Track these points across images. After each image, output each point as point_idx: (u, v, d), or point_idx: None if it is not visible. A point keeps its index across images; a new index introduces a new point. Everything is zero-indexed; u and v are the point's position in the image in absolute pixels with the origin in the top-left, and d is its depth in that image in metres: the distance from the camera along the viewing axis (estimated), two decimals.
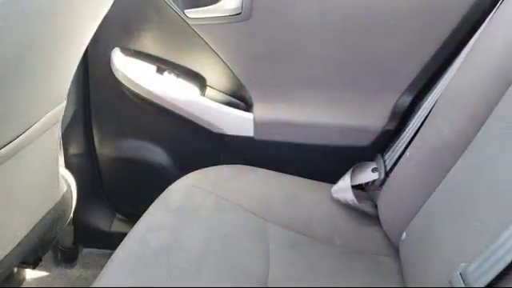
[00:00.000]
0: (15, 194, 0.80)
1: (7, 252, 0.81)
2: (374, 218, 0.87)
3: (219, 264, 0.71)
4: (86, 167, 1.08)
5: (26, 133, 0.73)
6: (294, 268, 0.75)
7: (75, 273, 1.16)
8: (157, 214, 0.78)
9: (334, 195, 0.90)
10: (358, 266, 0.79)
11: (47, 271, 1.16)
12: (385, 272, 0.79)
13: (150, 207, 0.80)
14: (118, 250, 0.70)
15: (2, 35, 0.50)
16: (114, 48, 0.95)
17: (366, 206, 0.88)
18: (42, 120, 0.77)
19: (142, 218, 0.77)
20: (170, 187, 0.87)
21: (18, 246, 0.84)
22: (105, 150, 1.08)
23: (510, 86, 0.67)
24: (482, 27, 0.77)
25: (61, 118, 0.85)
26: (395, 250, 0.81)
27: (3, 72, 0.57)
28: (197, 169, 0.94)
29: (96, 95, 1.01)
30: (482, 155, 0.67)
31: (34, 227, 0.88)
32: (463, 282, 0.55)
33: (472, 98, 0.71)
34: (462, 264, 0.56)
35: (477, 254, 0.55)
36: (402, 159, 0.84)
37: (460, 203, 0.67)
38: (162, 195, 0.84)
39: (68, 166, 1.01)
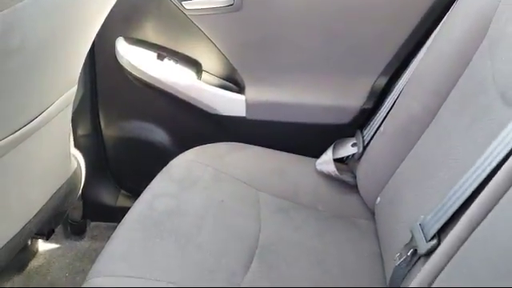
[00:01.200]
0: (33, 169, 0.89)
1: (26, 221, 0.91)
2: (352, 187, 0.97)
3: (217, 225, 0.82)
4: (93, 147, 1.17)
5: (43, 114, 0.82)
6: (281, 229, 0.86)
7: (84, 244, 1.26)
8: (161, 184, 0.89)
9: (318, 168, 1.01)
10: (338, 228, 0.89)
11: (58, 243, 1.25)
12: (362, 232, 0.89)
13: (155, 178, 0.90)
14: (129, 213, 0.80)
15: (34, 27, 0.60)
16: (118, 37, 1.04)
17: (346, 176, 0.99)
18: (57, 102, 0.86)
19: (148, 188, 0.87)
20: (172, 162, 0.97)
21: (34, 216, 0.93)
22: (110, 130, 1.17)
23: (467, 67, 0.78)
24: (445, 17, 0.87)
25: (72, 100, 0.95)
26: (371, 213, 0.92)
27: (30, 61, 0.66)
28: (194, 146, 1.04)
29: (102, 80, 1.10)
30: (442, 127, 0.78)
31: (49, 200, 0.97)
32: (421, 230, 0.66)
33: (436, 78, 0.82)
34: (422, 216, 0.67)
35: (433, 207, 0.66)
36: (376, 134, 0.94)
37: (423, 168, 0.77)
38: (165, 168, 0.94)
39: (77, 145, 1.10)
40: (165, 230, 0.77)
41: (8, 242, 0.84)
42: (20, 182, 0.85)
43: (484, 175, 0.57)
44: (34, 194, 0.93)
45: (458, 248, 0.52)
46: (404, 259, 0.66)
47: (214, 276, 0.71)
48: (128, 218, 0.79)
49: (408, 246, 0.67)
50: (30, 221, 0.91)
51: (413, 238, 0.66)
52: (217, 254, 0.75)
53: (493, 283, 0.44)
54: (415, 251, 0.64)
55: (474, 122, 0.69)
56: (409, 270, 0.65)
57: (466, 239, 0.51)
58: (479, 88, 0.72)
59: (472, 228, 0.51)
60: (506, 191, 0.48)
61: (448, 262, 0.53)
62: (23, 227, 0.89)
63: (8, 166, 0.76)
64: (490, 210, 0.49)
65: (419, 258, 0.63)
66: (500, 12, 0.74)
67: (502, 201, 0.48)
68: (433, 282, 0.54)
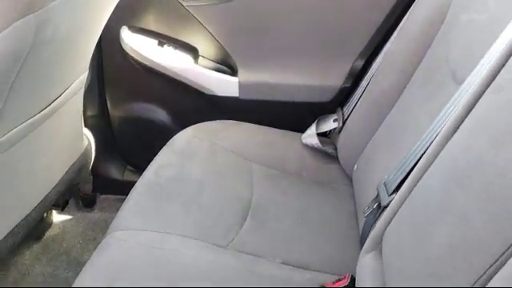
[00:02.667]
0: (53, 146, 1.01)
1: (48, 191, 1.03)
2: (333, 157, 1.10)
3: (215, 190, 0.94)
4: (101, 126, 1.28)
5: (61, 96, 0.94)
6: (270, 193, 0.98)
7: (94, 215, 1.38)
8: (165, 156, 1.01)
9: (303, 141, 1.13)
10: (320, 192, 1.02)
11: (71, 215, 1.37)
12: (340, 195, 1.03)
13: (160, 152, 1.02)
14: (139, 181, 0.93)
15: (61, 22, 0.71)
16: (122, 26, 1.16)
17: (328, 148, 1.11)
18: (72, 86, 0.98)
19: (154, 159, 1.00)
20: (174, 137, 1.09)
21: (54, 187, 1.06)
22: (116, 111, 1.28)
23: (428, 48, 0.90)
24: (412, 6, 0.99)
25: (84, 84, 1.06)
26: (349, 179, 1.05)
27: (56, 50, 0.78)
28: (192, 124, 1.16)
29: (108, 65, 1.21)
30: (407, 101, 0.91)
31: (65, 173, 1.09)
32: (385, 187, 0.79)
33: (403, 58, 0.94)
34: (386, 176, 0.80)
35: (395, 168, 0.79)
36: (354, 110, 1.07)
37: (391, 137, 0.90)
38: (168, 143, 1.06)
39: (86, 125, 1.21)
40: (170, 193, 0.90)
41: (35, 208, 0.97)
42: (43, 157, 0.97)
43: (433, 138, 0.69)
44: (53, 168, 1.05)
45: (406, 198, 0.65)
46: (371, 211, 0.79)
47: (213, 231, 0.84)
48: (139, 183, 0.91)
49: (374, 200, 0.80)
50: (50, 191, 1.03)
51: (378, 194, 0.79)
52: (215, 213, 0.88)
53: (430, 225, 0.57)
54: (379, 204, 0.78)
55: (431, 95, 0.82)
56: (375, 221, 0.78)
57: (412, 190, 0.64)
58: (436, 67, 0.85)
59: (417, 180, 0.64)
60: (442, 149, 0.61)
61: (398, 210, 0.66)
62: (46, 196, 1.01)
63: (34, 142, 0.88)
64: (430, 165, 0.62)
65: (383, 210, 0.77)
66: (456, 1, 0.86)
67: (440, 155, 0.61)
68: (387, 226, 0.67)
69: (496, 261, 0.43)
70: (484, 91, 0.58)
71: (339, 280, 0.76)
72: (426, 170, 0.62)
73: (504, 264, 0.42)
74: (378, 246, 0.70)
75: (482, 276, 0.44)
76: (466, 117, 0.59)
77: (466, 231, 0.49)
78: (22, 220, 0.93)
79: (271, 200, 0.96)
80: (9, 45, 0.64)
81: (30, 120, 0.84)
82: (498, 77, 0.56)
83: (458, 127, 0.60)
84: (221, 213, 0.89)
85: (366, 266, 0.69)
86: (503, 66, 0.56)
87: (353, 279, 0.74)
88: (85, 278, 0.69)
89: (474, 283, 0.44)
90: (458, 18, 0.83)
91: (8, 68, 0.67)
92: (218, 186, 0.96)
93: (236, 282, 0.73)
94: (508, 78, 0.54)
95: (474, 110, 0.58)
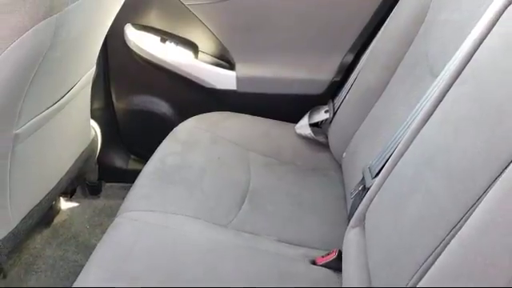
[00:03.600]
0: (64, 136, 1.09)
1: (59, 179, 1.11)
2: (325, 146, 1.18)
3: (215, 176, 1.02)
4: (106, 118, 1.35)
5: (71, 90, 1.01)
6: (267, 179, 1.06)
7: (100, 202, 1.46)
8: (169, 145, 1.09)
9: (297, 131, 1.21)
10: (312, 178, 1.11)
11: (78, 202, 1.45)
12: (331, 181, 1.11)
13: (164, 141, 1.10)
14: (145, 167, 1.01)
15: (75, 24, 0.79)
16: (126, 23, 1.23)
17: (320, 137, 1.19)
18: (81, 80, 1.06)
19: (158, 148, 1.08)
20: (177, 128, 1.17)
21: (64, 175, 1.13)
22: (121, 103, 1.35)
23: (410, 46, 0.98)
24: (396, 6, 1.07)
25: (91, 79, 1.14)
26: (339, 166, 1.13)
27: (69, 49, 0.85)
28: (193, 116, 1.23)
29: (113, 61, 1.28)
30: (390, 94, 0.99)
31: (74, 162, 1.17)
32: (369, 171, 0.87)
33: (387, 55, 1.02)
34: (370, 162, 0.89)
35: (379, 154, 0.87)
36: (343, 102, 1.15)
37: (376, 127, 0.99)
38: (171, 133, 1.14)
39: (93, 117, 1.28)
40: (175, 178, 0.98)
41: (47, 194, 1.05)
42: (55, 147, 1.05)
43: (412, 127, 0.78)
44: (64, 157, 1.13)
45: (385, 180, 0.73)
46: (357, 193, 0.88)
47: (214, 212, 0.93)
48: (145, 170, 0.99)
49: (360, 183, 0.88)
50: (61, 178, 1.11)
51: (363, 177, 0.88)
52: (216, 196, 0.96)
53: (403, 202, 0.65)
54: (364, 187, 0.86)
55: (412, 88, 0.90)
56: (360, 201, 0.86)
57: (390, 173, 0.72)
58: (417, 63, 0.93)
59: (394, 164, 0.72)
60: (415, 136, 0.69)
61: (378, 190, 0.74)
62: (57, 183, 1.09)
63: (47, 133, 0.96)
64: (406, 150, 0.70)
65: (367, 191, 0.85)
66: (434, 2, 0.94)
67: (414, 141, 0.69)
68: (369, 205, 0.76)
69: (454, 227, 0.51)
70: (452, 84, 0.66)
71: (328, 254, 0.84)
72: (402, 155, 0.71)
73: (460, 228, 0.50)
74: (362, 222, 0.79)
75: (443, 240, 0.52)
76: (436, 107, 0.68)
77: (432, 206, 0.57)
78: (36, 205, 1.01)
79: (267, 185, 1.05)
80: (32, 43, 0.71)
81: (44, 112, 0.91)
82: (463, 72, 0.64)
83: (429, 117, 0.68)
84: (221, 196, 0.97)
85: (351, 241, 0.78)
86: (468, 61, 0.65)
87: (340, 254, 0.83)
88: (100, 252, 0.77)
89: (436, 248, 0.53)
90: (436, 18, 0.91)
91: (30, 65, 0.74)
92: (218, 172, 1.04)
93: (236, 257, 0.81)
94: (470, 73, 0.62)
95: (442, 101, 0.67)
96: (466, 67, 0.64)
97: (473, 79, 0.61)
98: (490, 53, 0.60)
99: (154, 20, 1.24)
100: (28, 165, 0.92)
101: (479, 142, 0.53)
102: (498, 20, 0.63)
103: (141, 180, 0.96)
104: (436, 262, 0.51)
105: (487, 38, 0.62)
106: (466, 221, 0.50)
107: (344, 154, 1.11)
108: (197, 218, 0.89)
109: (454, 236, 0.51)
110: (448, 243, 0.51)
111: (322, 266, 0.83)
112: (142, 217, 0.85)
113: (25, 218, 0.96)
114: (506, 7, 0.63)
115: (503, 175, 0.47)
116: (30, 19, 0.68)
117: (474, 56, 0.64)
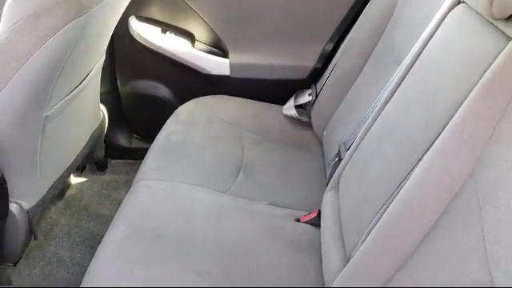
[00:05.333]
0: (80, 118, 1.24)
1: (76, 155, 1.26)
2: (308, 125, 1.34)
3: (213, 151, 1.18)
4: (112, 101, 1.48)
5: (87, 77, 1.15)
6: (258, 154, 1.23)
7: (107, 177, 1.61)
8: (172, 124, 1.24)
9: (284, 112, 1.37)
10: (297, 153, 1.27)
11: (86, 177, 1.60)
12: (313, 155, 1.28)
13: (167, 121, 1.26)
14: (153, 144, 1.16)
15: (96, 22, 0.93)
16: (131, 16, 1.37)
17: (304, 117, 1.36)
18: (95, 68, 1.20)
19: (163, 127, 1.23)
20: (177, 110, 1.32)
21: (81, 151, 1.28)
22: (125, 88, 1.49)
23: (380, 37, 1.14)
24: (369, 2, 1.22)
25: (101, 66, 1.28)
26: (320, 142, 1.30)
27: (89, 42, 0.99)
28: (190, 99, 1.38)
29: (118, 50, 1.41)
30: (363, 79, 1.15)
31: (88, 139, 1.32)
32: (344, 145, 1.04)
33: (361, 45, 1.18)
34: (345, 137, 1.06)
35: (352, 130, 1.04)
36: (324, 86, 1.32)
37: (351, 108, 1.15)
38: (173, 114, 1.29)
39: (100, 100, 1.43)
40: (179, 153, 1.14)
41: (67, 168, 1.20)
42: (74, 127, 1.20)
43: (377, 107, 0.95)
44: (80, 136, 1.28)
45: (355, 151, 0.90)
46: (334, 163, 1.05)
47: (214, 181, 1.09)
48: (154, 146, 1.15)
49: (336, 155, 1.06)
50: (78, 154, 1.26)
51: (339, 150, 1.05)
52: (215, 168, 1.13)
53: (366, 166, 0.82)
54: (339, 158, 1.03)
55: (381, 75, 1.07)
56: (335, 170, 1.03)
57: (359, 145, 0.90)
58: (385, 53, 1.09)
59: (362, 138, 0.89)
60: (379, 115, 0.86)
61: (350, 159, 0.91)
62: (75, 159, 1.25)
63: (68, 115, 1.10)
64: (371, 127, 0.87)
65: (341, 161, 1.02)
66: (400, 0, 1.10)
67: (377, 119, 0.86)
68: (342, 171, 0.93)
69: (401, 183, 0.69)
70: (407, 73, 0.83)
71: (310, 213, 1.02)
72: (368, 131, 0.88)
73: (405, 183, 0.67)
74: (336, 186, 0.96)
75: (393, 193, 0.70)
76: (395, 92, 0.85)
77: (387, 168, 0.75)
78: (59, 177, 1.16)
79: (258, 159, 1.21)
80: (63, 40, 0.86)
81: (67, 97, 1.06)
82: (414, 64, 0.81)
83: (390, 99, 0.85)
84: (219, 168, 1.13)
85: (328, 201, 0.95)
86: (419, 56, 0.81)
87: (319, 213, 1.00)
88: (123, 213, 0.93)
89: (389, 198, 0.70)
90: (401, 15, 1.08)
91: (61, 58, 0.89)
92: (216, 148, 1.20)
93: (235, 216, 0.98)
94: (419, 66, 0.79)
95: (400, 86, 0.84)
96: (417, 61, 0.81)
97: (420, 71, 0.77)
98: (433, 51, 0.76)
99: (155, 12, 1.38)
100: (54, 142, 1.07)
101: (421, 119, 0.70)
102: (442, 22, 0.79)
103: (151, 155, 1.12)
104: (388, 209, 0.69)
105: (433, 37, 0.79)
106: (409, 177, 0.67)
107: (324, 132, 1.28)
108: (200, 185, 1.05)
109: (401, 189, 0.68)
110: (397, 194, 0.68)
111: (305, 222, 1.01)
112: (155, 185, 1.01)
113: (50, 188, 1.12)
114: (450, 10, 0.80)
115: (435, 143, 0.64)
116: (62, 20, 0.83)
117: (422, 52, 0.80)
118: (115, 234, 0.86)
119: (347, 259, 0.76)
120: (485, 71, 0.59)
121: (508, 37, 0.59)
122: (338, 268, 0.77)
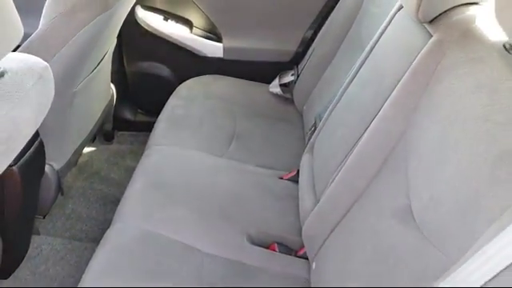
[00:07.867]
0: (97, 93, 1.44)
1: (93, 125, 1.47)
2: (291, 101, 1.57)
3: (211, 123, 1.40)
4: (119, 79, 1.67)
5: (103, 59, 1.36)
6: (248, 125, 1.44)
7: (114, 147, 1.81)
8: (175, 100, 1.46)
9: (270, 90, 1.59)
10: (281, 124, 1.49)
11: (95, 147, 1.80)
12: (294, 126, 1.50)
13: (170, 97, 1.47)
14: (160, 116, 1.38)
15: (115, 15, 1.13)
16: (137, 5, 1.56)
17: (287, 95, 1.58)
18: (110, 49, 1.40)
19: (167, 102, 1.44)
20: (178, 88, 1.53)
21: (96, 122, 1.49)
22: (131, 68, 1.69)
23: (351, 26, 1.36)
24: None
25: (113, 49, 1.48)
26: (300, 115, 1.53)
27: (108, 33, 1.20)
28: (189, 78, 1.59)
29: (126, 35, 1.60)
30: (337, 60, 1.37)
31: (102, 112, 1.53)
32: (319, 117, 1.27)
33: (336, 29, 1.40)
34: (320, 110, 1.29)
35: (327, 103, 1.27)
36: (305, 67, 1.54)
37: (326, 85, 1.38)
38: (175, 91, 1.50)
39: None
40: (182, 124, 1.36)
41: (86, 137, 1.42)
42: (92, 101, 1.40)
43: (345, 83, 1.17)
44: (96, 109, 1.49)
45: (327, 120, 1.14)
46: (311, 132, 1.28)
47: (212, 147, 1.31)
48: (161, 118, 1.37)
49: (312, 126, 1.29)
50: (94, 125, 1.47)
51: (315, 122, 1.28)
52: (212, 136, 1.35)
53: (334, 132, 1.06)
54: (315, 128, 1.26)
55: (351, 58, 1.28)
56: (311, 137, 1.26)
57: (330, 115, 1.13)
58: (354, 40, 1.31)
59: (332, 109, 1.12)
60: (345, 91, 1.09)
61: (323, 127, 1.15)
62: (91, 129, 1.46)
63: (89, 90, 1.31)
64: (339, 100, 1.10)
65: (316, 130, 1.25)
66: None
67: (344, 95, 1.09)
68: (317, 137, 1.16)
69: (356, 141, 0.92)
70: (366, 58, 1.06)
71: (290, 173, 1.25)
72: (337, 105, 1.11)
73: (359, 141, 0.90)
74: (312, 150, 1.19)
75: (351, 148, 0.93)
76: (358, 72, 1.07)
77: (347, 131, 0.98)
78: (80, 144, 1.38)
79: (248, 130, 1.43)
80: (92, 31, 1.06)
81: (90, 75, 1.26)
82: (372, 51, 1.04)
83: (353, 78, 1.08)
84: (215, 137, 1.35)
85: (305, 161, 1.19)
86: (375, 45, 1.04)
87: (298, 171, 1.24)
88: (141, 169, 1.15)
89: (348, 153, 0.94)
90: (366, 9, 1.30)
91: (89, 46, 1.09)
92: (212, 121, 1.42)
93: (229, 174, 1.21)
94: (375, 53, 1.02)
95: (361, 68, 1.06)
96: (374, 48, 1.04)
97: (373, 57, 1.00)
98: (384, 42, 0.99)
99: (158, 2, 1.58)
100: (77, 114, 1.28)
101: (372, 93, 0.93)
102: (392, 20, 1.01)
103: (159, 124, 1.34)
104: (346, 162, 0.92)
105: (385, 31, 1.01)
106: (361, 138, 0.90)
107: (304, 107, 1.50)
108: (200, 150, 1.28)
109: (356, 145, 0.92)
110: (353, 149, 0.92)
111: (287, 180, 1.24)
112: (164, 149, 1.24)
113: (74, 152, 1.33)
114: (398, 10, 1.02)
115: (380, 112, 0.87)
116: (91, 15, 1.03)
117: (378, 42, 1.03)
118: (136, 186, 1.09)
119: (317, 201, 1.00)
120: (414, 58, 0.82)
121: (431, 34, 0.82)
122: (310, 209, 1.01)
